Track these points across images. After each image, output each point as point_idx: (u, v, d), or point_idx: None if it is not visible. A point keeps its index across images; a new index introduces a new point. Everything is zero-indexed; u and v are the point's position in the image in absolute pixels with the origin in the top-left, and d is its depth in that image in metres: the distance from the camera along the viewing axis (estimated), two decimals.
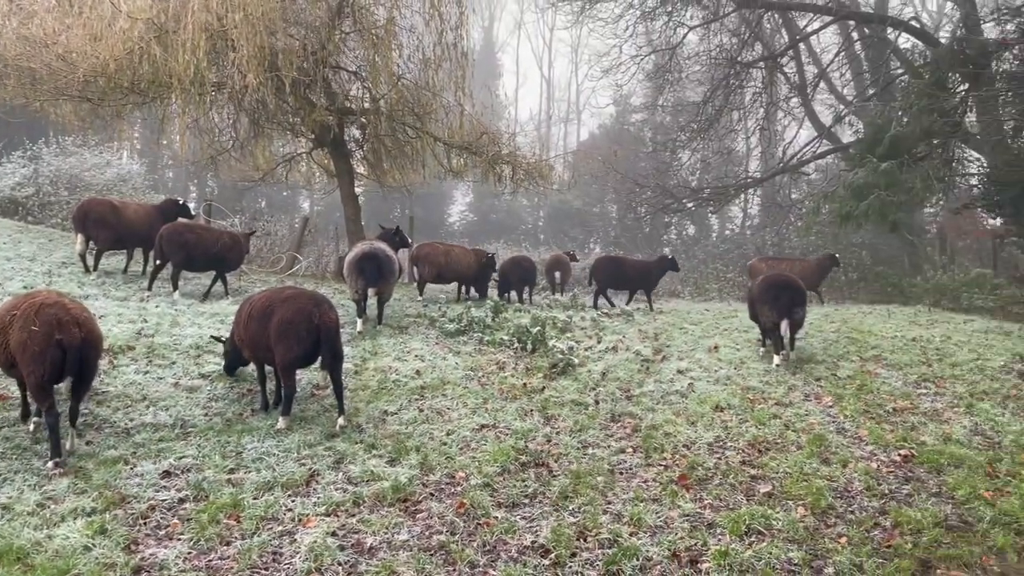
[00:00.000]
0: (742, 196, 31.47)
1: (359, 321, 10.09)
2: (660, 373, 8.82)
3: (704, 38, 26.67)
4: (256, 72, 12.31)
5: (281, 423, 6.61)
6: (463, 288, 14.95)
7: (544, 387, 8.23)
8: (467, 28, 15.99)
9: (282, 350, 6.56)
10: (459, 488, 5.60)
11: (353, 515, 5.11)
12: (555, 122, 60.11)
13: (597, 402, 7.79)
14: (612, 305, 15.05)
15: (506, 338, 9.87)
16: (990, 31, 20.05)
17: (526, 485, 5.70)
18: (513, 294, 15.33)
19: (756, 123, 26.77)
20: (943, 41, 20.88)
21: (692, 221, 35.97)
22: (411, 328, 10.62)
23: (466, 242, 27.80)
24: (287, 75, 12.77)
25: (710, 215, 34.79)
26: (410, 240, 13.52)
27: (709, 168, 32.50)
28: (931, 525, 5.15)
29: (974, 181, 22.04)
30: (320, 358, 6.64)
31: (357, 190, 17.80)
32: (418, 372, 8.41)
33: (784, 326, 8.90)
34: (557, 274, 17.32)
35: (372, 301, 10.43)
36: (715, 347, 10.11)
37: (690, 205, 26.79)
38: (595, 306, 14.72)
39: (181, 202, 13.27)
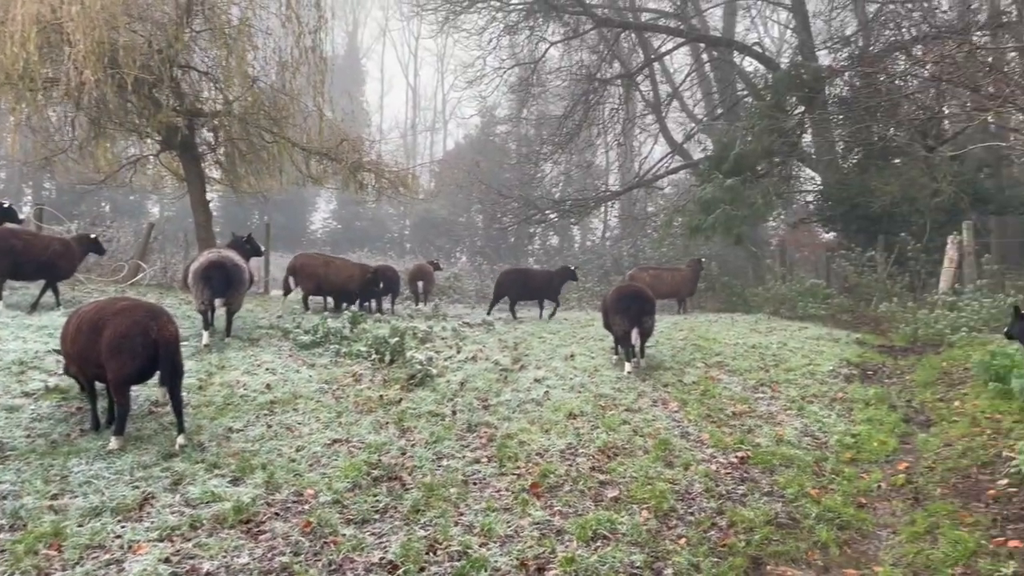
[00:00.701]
0: (602, 208, 32.52)
1: (205, 334, 9.58)
2: (518, 382, 8.90)
3: (565, 54, 27.46)
4: (94, 69, 11.56)
5: (114, 443, 6.16)
6: (373, 303, 14.60)
7: (401, 399, 8.11)
8: (327, 32, 15.72)
9: (115, 366, 6.12)
10: (307, 506, 5.41)
11: (189, 539, 4.82)
12: (421, 131, 59.98)
13: (454, 412, 7.74)
14: (514, 317, 15.23)
15: (364, 349, 9.67)
16: (824, 58, 21.73)
17: (377, 500, 5.58)
18: (373, 303, 15.10)
19: (614, 138, 27.83)
20: (783, 66, 22.38)
21: (555, 232, 36.77)
22: (263, 340, 10.22)
23: (328, 250, 27.19)
24: (129, 73, 12.05)
25: (572, 226, 35.69)
26: (262, 248, 13.07)
27: (571, 180, 33.41)
28: (763, 523, 5.45)
29: (810, 198, 23.81)
30: (158, 374, 6.25)
31: (210, 195, 17.03)
32: (268, 386, 8.09)
33: (634, 334, 9.22)
34: (420, 284, 17.25)
35: (221, 312, 9.97)
36: (571, 355, 10.32)
37: (553, 216, 27.44)
38: (488, 314, 15.18)
39: (6, 205, 12.20)
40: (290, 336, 10.35)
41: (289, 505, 5.43)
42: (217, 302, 9.51)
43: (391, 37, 61.73)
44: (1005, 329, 7.40)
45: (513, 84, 28.07)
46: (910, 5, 18.91)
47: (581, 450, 6.81)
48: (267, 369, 8.75)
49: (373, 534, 5.07)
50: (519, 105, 30.44)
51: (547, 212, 26.67)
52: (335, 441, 6.74)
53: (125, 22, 12.61)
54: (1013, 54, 15.19)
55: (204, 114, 15.01)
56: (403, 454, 6.55)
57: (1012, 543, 4.88)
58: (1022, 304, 7.88)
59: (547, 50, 25.73)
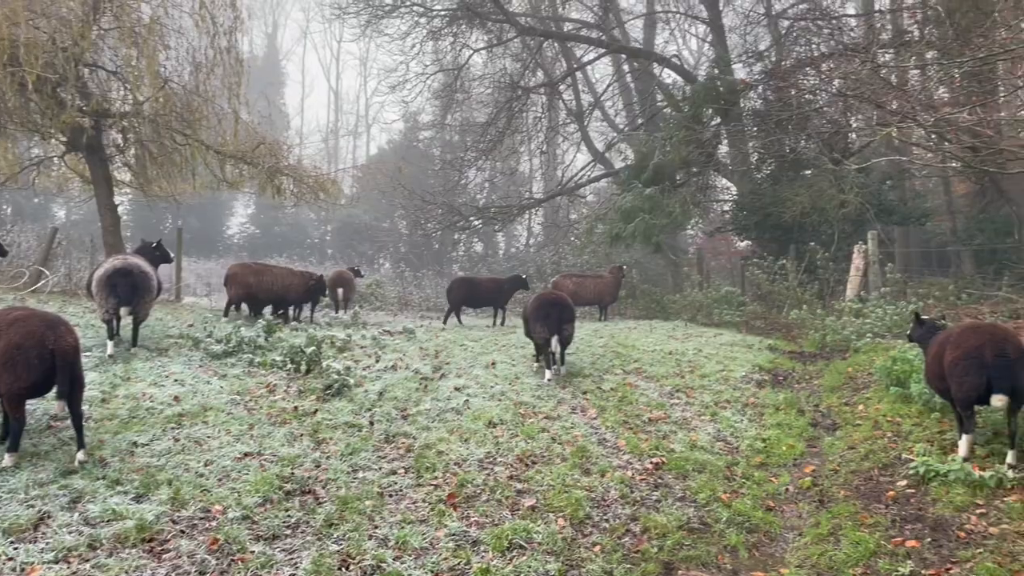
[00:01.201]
0: (526, 215, 32.70)
1: (110, 344, 9.16)
2: (438, 391, 8.82)
3: (489, 61, 27.59)
4: None
5: (7, 460, 5.83)
6: (293, 311, 14.25)
7: (317, 410, 7.93)
8: (244, 33, 15.39)
9: (9, 379, 5.80)
10: (214, 523, 5.23)
11: (88, 560, 4.60)
12: (343, 135, 59.22)
13: (372, 423, 7.62)
14: (460, 323, 15.19)
15: (279, 359, 9.42)
16: (740, 72, 22.43)
17: (289, 515, 5.44)
18: (291, 311, 14.76)
19: (537, 146, 28.14)
20: (700, 78, 22.97)
21: (480, 238, 36.77)
22: (172, 350, 9.84)
23: (245, 256, 26.53)
24: (31, 71, 11.53)
25: (496, 233, 35.77)
26: (172, 255, 12.62)
27: (495, 187, 33.53)
28: (675, 528, 5.53)
29: (726, 207, 24.49)
30: (56, 386, 5.95)
31: (119, 199, 16.42)
32: (176, 398, 7.80)
33: (554, 342, 9.28)
34: (340, 291, 16.95)
35: (127, 321, 9.57)
36: (492, 363, 10.31)
37: (477, 223, 27.43)
38: (444, 323, 15.35)
39: None
40: (201, 346, 10.00)
41: (196, 522, 5.24)
42: (123, 311, 9.12)
43: (312, 39, 61.06)
44: (908, 334, 7.75)
45: (437, 90, 28.03)
46: (821, 23, 19.67)
47: (500, 459, 6.79)
48: (176, 380, 8.43)
49: (283, 550, 4.94)
50: (443, 111, 30.36)
51: (471, 219, 26.68)
52: (246, 454, 6.54)
53: (27, 18, 12.10)
54: (914, 72, 15.94)
55: (112, 115, 14.47)
56: (317, 467, 6.42)
57: (909, 543, 5.09)
58: (923, 310, 8.27)
59: (470, 57, 25.85)
